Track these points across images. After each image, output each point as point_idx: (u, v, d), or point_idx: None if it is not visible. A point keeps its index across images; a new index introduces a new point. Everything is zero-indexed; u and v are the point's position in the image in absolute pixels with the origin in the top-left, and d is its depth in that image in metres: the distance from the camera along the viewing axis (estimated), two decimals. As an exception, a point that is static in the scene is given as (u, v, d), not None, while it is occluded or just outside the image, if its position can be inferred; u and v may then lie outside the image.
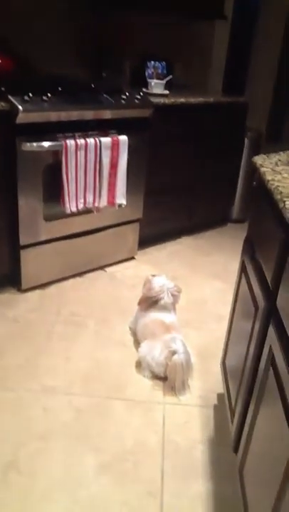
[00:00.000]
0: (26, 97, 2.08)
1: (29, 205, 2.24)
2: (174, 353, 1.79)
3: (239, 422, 1.36)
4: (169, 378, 1.84)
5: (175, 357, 1.79)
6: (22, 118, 2.06)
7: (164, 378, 1.88)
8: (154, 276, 2.17)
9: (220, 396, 1.84)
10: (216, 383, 1.90)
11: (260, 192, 1.39)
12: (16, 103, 2.04)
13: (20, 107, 2.03)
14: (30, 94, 2.10)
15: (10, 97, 2.05)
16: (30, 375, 1.88)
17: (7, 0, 2.48)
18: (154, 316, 2.02)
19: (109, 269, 2.75)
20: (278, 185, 1.18)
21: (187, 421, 1.72)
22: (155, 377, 1.90)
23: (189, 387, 1.88)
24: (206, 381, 1.93)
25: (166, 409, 1.77)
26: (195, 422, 1.72)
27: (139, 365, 1.95)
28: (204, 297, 2.56)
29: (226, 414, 1.56)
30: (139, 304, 2.13)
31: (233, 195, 3.53)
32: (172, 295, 2.08)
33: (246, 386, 1.32)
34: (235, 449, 1.38)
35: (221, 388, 1.79)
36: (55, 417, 1.69)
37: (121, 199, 2.52)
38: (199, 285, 2.68)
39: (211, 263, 2.96)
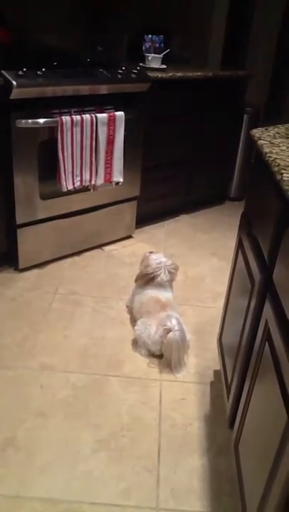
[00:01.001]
0: (20, 72, 2.03)
1: (25, 184, 2.21)
2: (169, 330, 1.79)
3: (235, 398, 1.37)
4: (165, 356, 1.84)
5: (170, 335, 1.79)
6: (16, 93, 2.01)
7: (160, 356, 1.88)
8: (151, 253, 2.16)
9: (216, 373, 1.85)
10: (212, 360, 1.90)
11: (258, 165, 1.37)
12: (10, 78, 1.99)
13: (14, 82, 1.99)
14: (25, 69, 2.05)
15: (3, 71, 2.01)
16: (28, 353, 1.88)
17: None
18: (150, 293, 2.01)
19: (106, 248, 2.74)
20: (276, 158, 1.16)
21: (183, 397, 1.73)
22: (151, 355, 1.90)
23: (185, 364, 1.88)
24: (203, 358, 1.93)
25: (163, 386, 1.77)
26: (191, 398, 1.73)
27: (135, 343, 1.95)
28: (202, 274, 2.55)
29: (222, 390, 1.56)
30: (136, 280, 2.12)
31: (232, 172, 3.49)
32: (169, 272, 2.08)
33: (242, 362, 1.32)
34: (231, 425, 1.38)
35: (217, 365, 1.80)
36: (53, 394, 1.69)
37: (118, 177, 2.48)
38: (197, 262, 2.67)
39: (209, 240, 2.94)
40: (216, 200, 3.52)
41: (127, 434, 1.56)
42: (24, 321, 2.07)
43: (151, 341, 1.86)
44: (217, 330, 1.79)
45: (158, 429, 1.59)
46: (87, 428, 1.57)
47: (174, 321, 1.81)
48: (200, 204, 3.39)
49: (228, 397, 1.46)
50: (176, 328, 1.80)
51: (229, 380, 1.48)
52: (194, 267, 2.61)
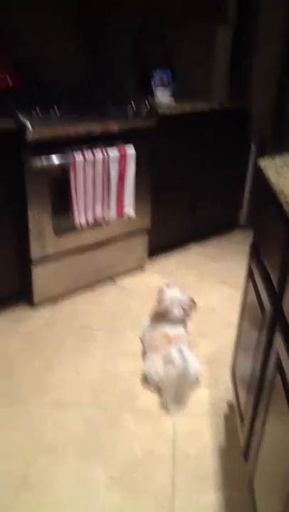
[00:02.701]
0: (34, 113, 2.11)
1: (39, 220, 2.27)
2: (168, 365, 1.78)
3: (248, 430, 1.35)
4: (164, 390, 1.82)
5: (169, 368, 1.77)
6: (31, 135, 2.08)
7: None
8: (167, 285, 2.15)
9: (230, 404, 1.82)
10: (226, 391, 1.88)
11: (265, 194, 1.39)
12: (24, 120, 2.07)
13: (28, 125, 2.06)
14: (38, 111, 2.13)
15: (18, 113, 2.09)
16: (41, 389, 1.88)
17: (7, 15, 2.52)
18: (160, 328, 2.01)
19: (119, 280, 2.76)
20: (282, 187, 1.18)
21: (197, 430, 1.71)
22: (160, 389, 1.88)
23: (187, 399, 1.84)
24: (216, 389, 1.91)
25: (176, 419, 1.75)
26: (205, 431, 1.71)
27: (145, 378, 1.94)
28: (213, 304, 2.55)
29: (236, 422, 1.54)
30: (151, 316, 2.13)
31: (241, 200, 3.52)
32: (183, 309, 2.07)
33: (254, 393, 1.30)
34: (246, 458, 1.36)
35: (231, 396, 1.78)
36: (66, 430, 1.68)
37: (129, 210, 2.53)
38: (208, 292, 2.67)
39: (219, 269, 2.95)
40: (225, 228, 3.54)
41: (140, 469, 1.54)
42: (37, 356, 2.08)
43: (159, 378, 1.85)
44: (230, 360, 1.78)
45: (172, 464, 1.56)
46: (100, 464, 1.55)
47: (174, 353, 1.78)
48: (210, 233, 3.42)
49: (242, 429, 1.44)
50: (176, 360, 1.76)
51: (243, 411, 1.46)
52: (205, 296, 2.61)
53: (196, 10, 3.00)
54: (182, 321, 2.09)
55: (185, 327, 2.09)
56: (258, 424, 1.26)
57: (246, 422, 1.39)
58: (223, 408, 1.82)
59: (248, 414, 1.37)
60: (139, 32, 3.05)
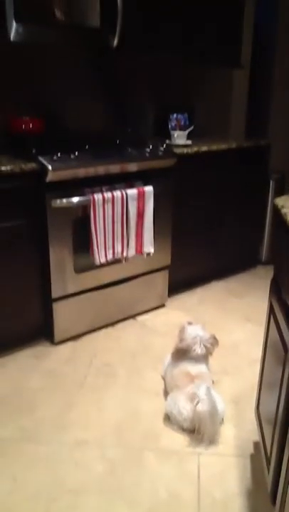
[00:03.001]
0: (55, 157, 2.20)
1: (60, 258, 2.31)
2: (197, 403, 1.75)
3: (275, 472, 1.31)
4: (196, 429, 1.79)
5: (199, 406, 1.75)
6: (51, 176, 2.16)
7: (194, 429, 1.82)
8: (190, 323, 2.14)
9: (256, 444, 1.78)
10: (252, 431, 1.83)
11: (282, 232, 1.41)
12: (46, 163, 2.15)
13: (49, 167, 2.14)
14: (59, 154, 2.22)
15: (40, 157, 2.17)
16: (62, 428, 1.87)
17: (32, 65, 2.67)
18: (182, 366, 1.99)
19: (140, 318, 2.76)
20: (298, 225, 1.20)
21: (223, 472, 1.66)
22: (185, 429, 1.85)
23: (219, 435, 1.82)
24: (242, 429, 1.87)
25: (201, 459, 1.72)
26: (231, 472, 1.66)
27: (168, 417, 1.91)
28: (237, 341, 2.52)
29: (262, 463, 1.50)
30: (172, 354, 2.12)
31: (262, 236, 3.53)
32: (205, 347, 2.05)
33: (280, 433, 1.28)
34: (273, 500, 1.32)
35: (257, 436, 1.73)
36: (88, 470, 1.66)
37: (149, 247, 2.56)
38: (231, 328, 2.65)
39: (242, 305, 2.93)
40: (247, 265, 3.54)
41: (165, 511, 1.50)
42: (59, 394, 2.08)
43: (182, 418, 1.82)
44: (255, 398, 1.75)
45: (197, 507, 1.52)
46: (123, 505, 1.52)
47: (202, 392, 1.77)
48: (231, 270, 3.42)
49: (268, 470, 1.40)
50: (205, 398, 1.75)
51: (269, 452, 1.42)
52: (228, 333, 2.59)
53: (215, 58, 3.12)
54: (204, 359, 2.07)
55: (207, 364, 2.07)
56: (284, 465, 1.23)
57: (272, 463, 1.35)
58: (249, 448, 1.77)
59: (273, 455, 1.34)
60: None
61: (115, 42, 2.46)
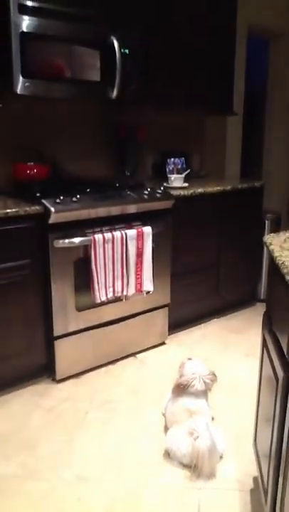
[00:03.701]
0: (58, 200, 2.31)
1: (62, 297, 2.39)
2: (196, 438, 1.78)
3: (272, 505, 1.33)
4: (194, 465, 1.80)
5: (197, 442, 1.77)
6: (54, 218, 2.27)
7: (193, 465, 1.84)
8: (190, 359, 2.17)
9: (256, 479, 1.79)
10: (251, 465, 1.84)
11: (272, 268, 1.49)
12: (49, 205, 2.26)
13: (52, 209, 2.25)
14: (62, 197, 2.33)
15: (43, 200, 2.29)
16: (63, 464, 1.89)
17: (38, 115, 2.84)
18: (182, 402, 2.01)
19: (140, 355, 2.80)
20: (285, 261, 1.28)
21: (224, 507, 1.67)
22: (185, 465, 1.86)
23: (216, 470, 1.83)
24: (242, 464, 1.88)
25: (202, 495, 1.73)
26: (232, 508, 1.67)
27: (168, 453, 1.93)
28: (237, 376, 2.55)
29: (261, 497, 1.51)
30: (172, 390, 2.15)
31: (259, 274, 3.60)
32: (204, 382, 2.08)
33: (274, 466, 1.31)
34: (270, 533, 1.33)
35: (256, 470, 1.75)
36: (89, 506, 1.67)
37: (148, 286, 2.64)
38: (231, 364, 2.68)
39: (242, 341, 2.97)
40: (245, 302, 3.60)
41: None
42: (60, 431, 2.10)
43: (181, 453, 1.84)
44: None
45: None
46: None
47: (201, 427, 1.79)
48: (230, 307, 3.47)
49: (266, 505, 1.42)
50: (204, 433, 1.77)
51: (266, 485, 1.45)
52: (228, 368, 2.62)
53: (210, 107, 3.31)
54: (204, 394, 2.10)
55: (207, 400, 2.10)
56: (278, 497, 1.26)
57: (269, 496, 1.37)
58: (250, 483, 1.79)
59: (270, 489, 1.36)
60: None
61: (114, 94, 2.63)
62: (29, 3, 2.26)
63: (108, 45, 2.57)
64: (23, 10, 2.25)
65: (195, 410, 1.97)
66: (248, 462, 1.88)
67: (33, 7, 2.27)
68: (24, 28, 2.26)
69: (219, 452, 1.87)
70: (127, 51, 2.64)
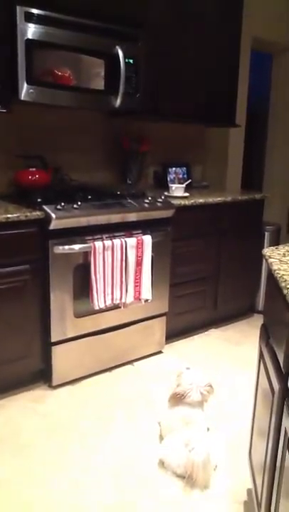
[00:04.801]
0: (59, 206, 2.32)
1: (60, 303, 2.39)
2: (190, 449, 1.77)
3: (265, 517, 1.33)
4: (188, 475, 1.80)
5: (191, 453, 1.77)
6: (54, 224, 2.28)
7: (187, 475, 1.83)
8: (188, 369, 2.17)
9: (249, 491, 1.78)
10: (246, 477, 1.84)
11: (271, 280, 1.49)
12: (50, 211, 2.27)
13: (53, 215, 2.26)
14: (63, 204, 2.34)
15: (44, 206, 2.30)
16: (59, 471, 1.88)
17: (39, 125, 2.86)
18: (178, 412, 2.01)
19: (137, 364, 2.80)
20: (283, 274, 1.28)
21: (216, 519, 1.67)
22: (179, 475, 1.86)
23: (210, 482, 1.82)
24: (237, 476, 1.88)
25: (195, 506, 1.72)
26: (224, 520, 1.66)
27: (162, 463, 1.92)
28: (233, 387, 2.55)
29: (254, 510, 1.51)
30: (169, 399, 2.14)
31: (258, 285, 3.61)
32: (201, 393, 2.08)
33: (268, 478, 1.30)
34: None
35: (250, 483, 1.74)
36: (82, 515, 1.67)
37: (147, 294, 2.64)
38: (228, 375, 2.68)
39: (239, 352, 2.97)
40: (243, 313, 3.60)
41: None
42: (56, 436, 2.09)
43: (176, 464, 1.84)
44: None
45: None
46: None
47: (195, 438, 1.79)
48: (228, 318, 3.47)
49: (259, 517, 1.41)
50: (198, 444, 1.77)
51: (259, 498, 1.44)
52: (225, 380, 2.62)
53: (212, 118, 3.34)
54: (200, 405, 2.09)
55: (203, 411, 2.09)
56: (272, 511, 1.25)
57: (263, 509, 1.37)
58: (243, 495, 1.78)
59: (263, 501, 1.36)
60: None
61: (118, 103, 2.65)
62: (35, 12, 2.29)
63: (113, 55, 2.60)
64: (30, 18, 2.28)
65: (190, 420, 1.96)
66: (242, 474, 1.87)
67: (38, 15, 2.30)
68: (30, 36, 2.29)
69: (213, 463, 1.87)
70: (131, 61, 2.67)
